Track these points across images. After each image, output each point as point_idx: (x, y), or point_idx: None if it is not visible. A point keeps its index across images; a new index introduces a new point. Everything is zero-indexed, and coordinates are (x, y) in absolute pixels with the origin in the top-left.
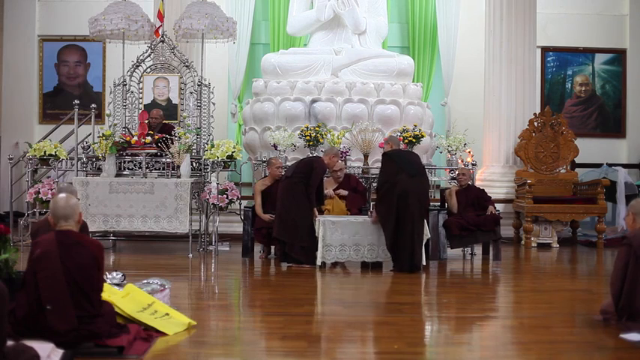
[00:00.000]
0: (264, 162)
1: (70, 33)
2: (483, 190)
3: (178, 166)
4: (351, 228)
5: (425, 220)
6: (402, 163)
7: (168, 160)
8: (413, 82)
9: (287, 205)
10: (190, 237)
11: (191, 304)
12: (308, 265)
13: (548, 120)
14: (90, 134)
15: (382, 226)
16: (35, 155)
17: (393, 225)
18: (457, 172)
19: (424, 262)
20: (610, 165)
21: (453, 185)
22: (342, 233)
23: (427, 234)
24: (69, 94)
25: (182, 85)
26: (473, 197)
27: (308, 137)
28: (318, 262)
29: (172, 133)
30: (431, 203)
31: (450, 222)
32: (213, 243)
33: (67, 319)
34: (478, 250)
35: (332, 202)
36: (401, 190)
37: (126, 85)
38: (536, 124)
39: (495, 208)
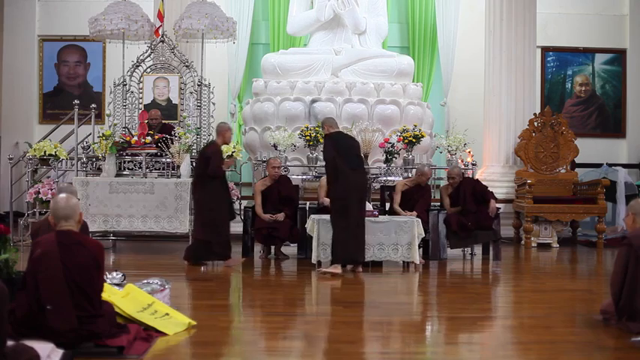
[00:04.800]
0: (264, 162)
1: (70, 33)
2: (477, 180)
3: (178, 166)
4: None
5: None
6: (340, 147)
7: (168, 160)
8: (413, 82)
9: (201, 203)
10: (190, 237)
11: (191, 304)
12: (227, 258)
13: (548, 120)
14: (90, 134)
15: (333, 215)
16: (35, 155)
17: (340, 218)
18: (448, 175)
19: (417, 261)
20: (610, 165)
21: (444, 185)
22: None
23: (422, 233)
24: (69, 94)
25: (182, 85)
26: (469, 190)
27: (308, 137)
28: (314, 260)
29: (172, 133)
30: (431, 203)
31: (450, 219)
32: None
33: (67, 319)
34: (478, 250)
35: None
36: (345, 184)
37: (126, 85)
38: (536, 124)
39: (496, 200)
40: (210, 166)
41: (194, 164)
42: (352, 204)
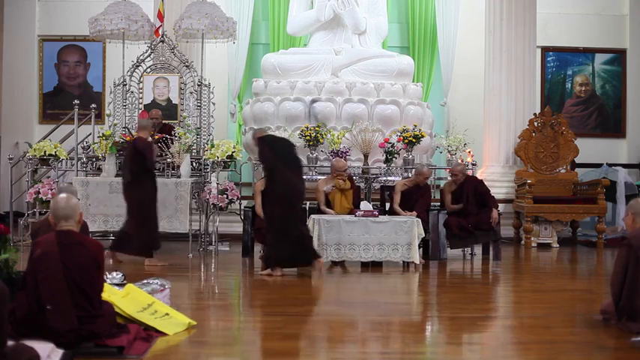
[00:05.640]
0: None
1: (70, 33)
2: (481, 181)
3: (178, 166)
4: (345, 227)
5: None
6: (277, 151)
7: (168, 160)
8: (413, 82)
9: (137, 199)
10: (190, 237)
11: (191, 304)
12: (149, 256)
13: (548, 120)
14: (90, 134)
15: (268, 215)
16: (35, 155)
17: (277, 219)
18: (450, 172)
19: (417, 261)
20: (610, 165)
21: (448, 181)
22: (337, 232)
23: (421, 233)
24: (69, 94)
25: (182, 85)
26: (471, 190)
27: (308, 137)
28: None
29: (172, 133)
30: (431, 203)
31: (450, 221)
32: (213, 243)
33: (67, 319)
34: (478, 250)
35: (335, 199)
36: (284, 186)
37: (126, 85)
38: (536, 124)
39: (499, 210)
40: (147, 160)
41: (122, 163)
42: (291, 205)
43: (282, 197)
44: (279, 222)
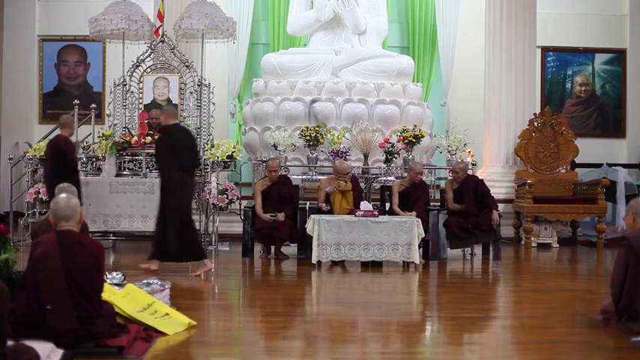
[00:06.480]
0: (264, 162)
1: (70, 33)
2: (482, 180)
3: None
4: (345, 227)
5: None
6: (175, 144)
7: None
8: (413, 82)
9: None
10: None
11: (191, 304)
12: None
13: (548, 120)
14: (90, 134)
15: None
16: (35, 155)
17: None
18: (452, 170)
19: (417, 261)
20: (610, 165)
21: (449, 179)
22: (337, 232)
23: (421, 233)
24: (69, 94)
25: (182, 85)
26: (472, 189)
27: (308, 137)
28: (314, 260)
29: None
30: (431, 203)
31: (450, 221)
32: (213, 243)
33: (67, 319)
34: (478, 250)
35: (335, 199)
36: (175, 184)
37: (126, 85)
38: (536, 124)
39: (499, 213)
40: (68, 158)
41: (44, 162)
42: (180, 204)
43: (174, 195)
44: (172, 216)
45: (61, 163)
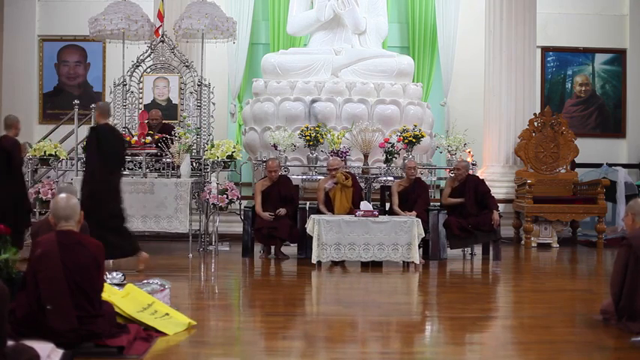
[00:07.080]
0: (264, 162)
1: (70, 33)
2: (482, 180)
3: (178, 166)
4: (345, 227)
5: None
6: (104, 145)
7: (168, 160)
8: (413, 82)
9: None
10: (190, 237)
11: (191, 304)
12: None
13: (548, 120)
14: None
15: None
16: (35, 155)
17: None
18: (453, 168)
19: (417, 261)
20: (610, 165)
21: (450, 177)
22: (337, 232)
23: (421, 233)
24: (69, 94)
25: (182, 85)
26: (472, 188)
27: (308, 137)
28: (314, 260)
29: (172, 133)
30: (431, 203)
31: (450, 221)
32: (213, 243)
33: (67, 319)
34: (478, 250)
35: (335, 197)
36: (100, 185)
37: (126, 85)
38: (536, 124)
39: (500, 213)
40: (14, 160)
41: None
42: (106, 205)
43: (98, 196)
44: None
45: (4, 164)
